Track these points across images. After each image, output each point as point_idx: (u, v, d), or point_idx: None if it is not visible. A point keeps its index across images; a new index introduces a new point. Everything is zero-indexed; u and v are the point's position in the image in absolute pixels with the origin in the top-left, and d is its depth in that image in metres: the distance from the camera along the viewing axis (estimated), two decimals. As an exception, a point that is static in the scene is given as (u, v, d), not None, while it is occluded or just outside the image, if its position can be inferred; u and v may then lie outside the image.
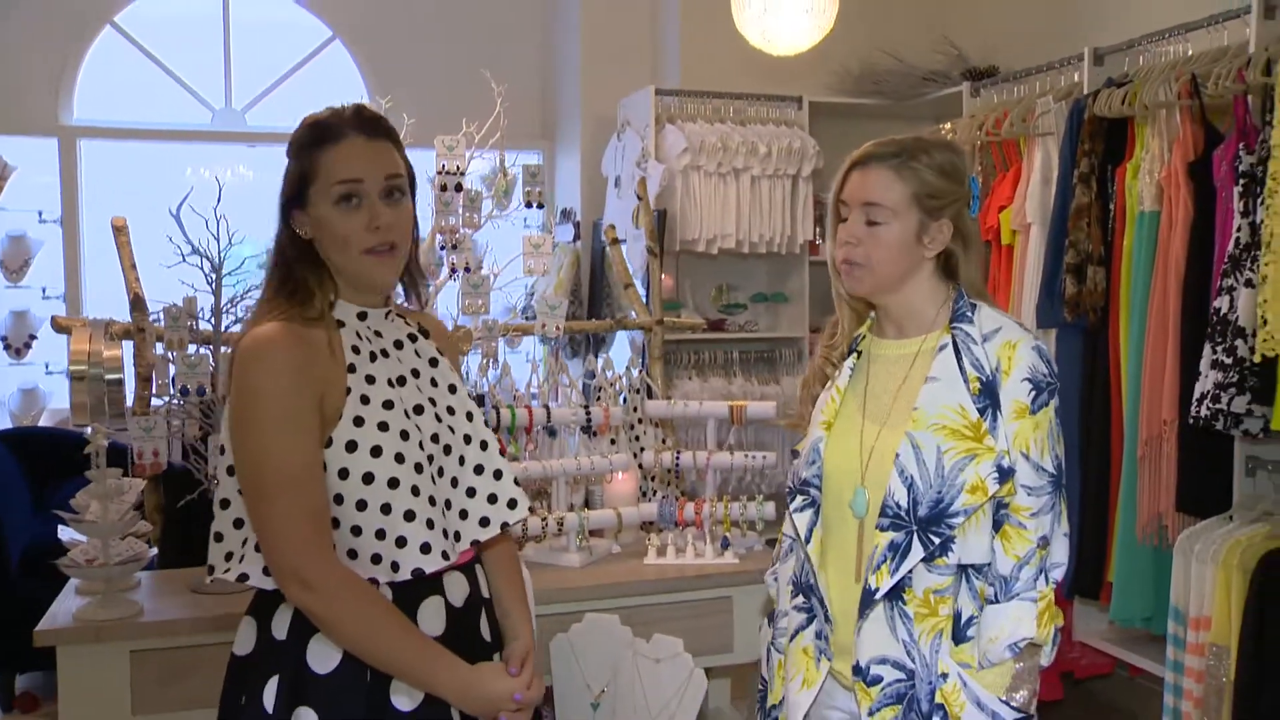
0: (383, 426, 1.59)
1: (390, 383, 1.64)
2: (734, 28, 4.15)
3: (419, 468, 1.61)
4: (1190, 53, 3.43)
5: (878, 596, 1.72)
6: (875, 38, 5.08)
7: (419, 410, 1.65)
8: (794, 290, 5.08)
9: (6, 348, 4.99)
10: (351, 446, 1.56)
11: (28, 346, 5.00)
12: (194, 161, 5.47)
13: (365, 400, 1.59)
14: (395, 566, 1.58)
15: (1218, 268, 3.08)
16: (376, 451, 1.57)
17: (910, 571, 1.71)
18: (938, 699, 1.70)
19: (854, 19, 4.89)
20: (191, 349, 2.43)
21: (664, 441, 3.20)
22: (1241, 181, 2.98)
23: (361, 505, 1.57)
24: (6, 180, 4.95)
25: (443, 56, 5.42)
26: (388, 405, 1.61)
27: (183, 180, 5.38)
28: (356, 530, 1.57)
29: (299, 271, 1.61)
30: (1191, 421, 3.06)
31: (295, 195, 1.61)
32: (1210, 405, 2.98)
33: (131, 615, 2.30)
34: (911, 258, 1.80)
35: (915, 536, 1.70)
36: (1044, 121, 3.81)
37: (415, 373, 1.69)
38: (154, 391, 2.48)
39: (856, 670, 1.74)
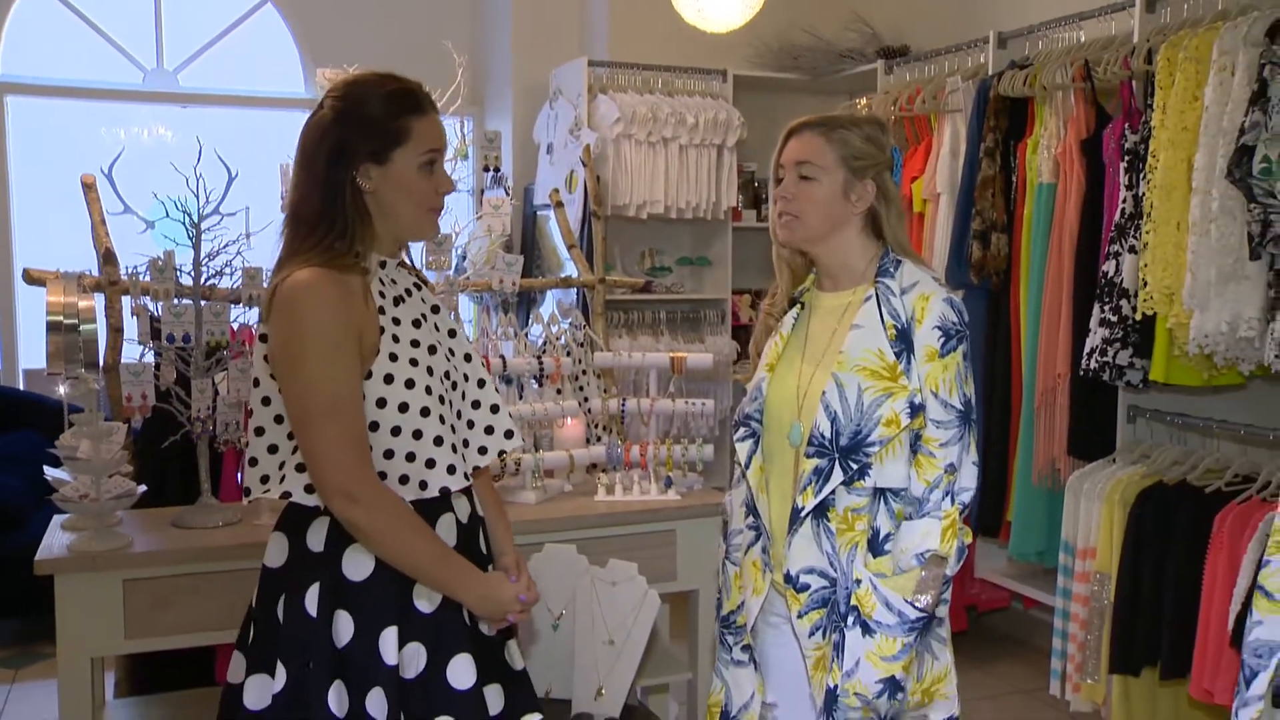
0: (413, 362, 1.77)
1: (412, 324, 1.82)
2: (661, 1, 4.35)
3: (442, 399, 1.80)
4: (1083, 39, 3.77)
5: (803, 514, 1.99)
6: (795, 15, 5.34)
7: (432, 350, 1.83)
8: (717, 254, 5.34)
9: (-64, 305, 4.98)
10: (388, 379, 1.74)
11: (-43, 303, 4.99)
12: (119, 121, 5.47)
13: (396, 339, 1.77)
14: (424, 485, 1.77)
15: (1106, 235, 3.42)
16: (410, 384, 1.75)
17: (833, 493, 1.97)
18: (853, 601, 1.97)
19: (777, -3, 5.15)
20: (175, 300, 2.57)
21: (605, 391, 3.43)
22: (1127, 158, 3.32)
23: (396, 431, 1.75)
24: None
25: (374, 21, 5.52)
26: (414, 344, 1.79)
27: (101, 139, 5.40)
28: (389, 454, 1.75)
29: (352, 221, 1.75)
30: (1081, 374, 3.41)
31: (376, 152, 1.75)
32: (1098, 359, 3.33)
33: (123, 547, 2.45)
34: (839, 212, 2.05)
35: (837, 463, 1.96)
36: (953, 99, 4.12)
37: (424, 316, 1.87)
38: (136, 339, 2.61)
39: (787, 578, 2.01)
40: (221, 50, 5.48)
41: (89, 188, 2.97)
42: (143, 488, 2.57)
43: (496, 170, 3.15)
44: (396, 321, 1.79)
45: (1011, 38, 4.07)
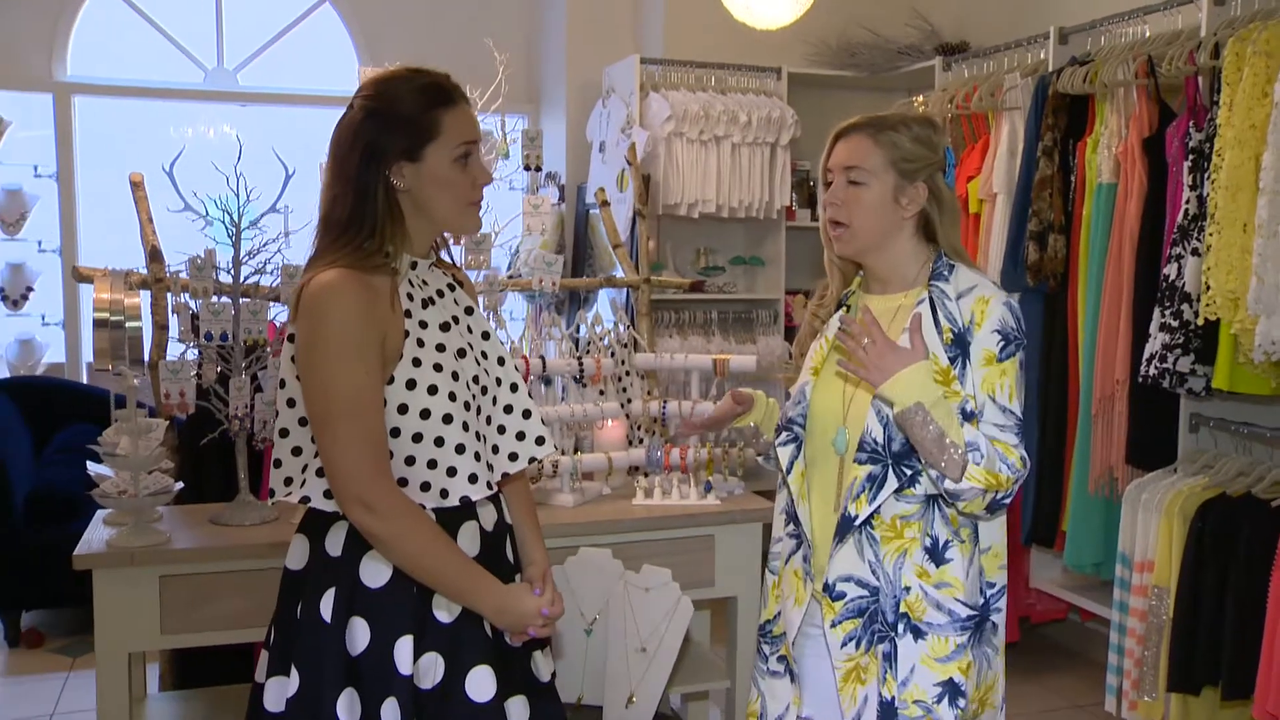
0: (437, 367, 1.74)
1: (440, 327, 1.79)
2: (715, -1, 4.31)
3: (467, 405, 1.76)
4: (1148, 34, 3.64)
5: (857, 523, 1.92)
6: (852, 11, 5.25)
7: (461, 354, 1.80)
8: (771, 254, 5.27)
9: (4, 299, 5.11)
10: (411, 384, 1.71)
11: (25, 298, 5.12)
12: (184, 120, 5.57)
13: (421, 343, 1.74)
14: (444, 494, 1.74)
15: (1168, 237, 3.29)
16: (433, 390, 1.72)
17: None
18: (902, 609, 1.92)
19: (833, -8, 5.07)
20: (214, 298, 2.59)
21: (649, 393, 3.39)
22: (1191, 157, 3.19)
23: (417, 438, 1.72)
24: (2, 135, 5.05)
25: (431, 20, 5.55)
26: (440, 348, 1.76)
27: (170, 137, 5.50)
28: (410, 460, 1.72)
29: (383, 221, 1.73)
30: (1140, 381, 3.29)
31: (409, 149, 1.73)
32: (1158, 365, 3.21)
33: (160, 543, 2.47)
34: (890, 218, 1.99)
35: (890, 469, 1.90)
36: (1011, 96, 4.01)
37: (455, 319, 1.84)
38: (177, 337, 2.63)
39: (825, 587, 1.96)
40: (280, 50, 5.55)
41: (136, 186, 3.01)
42: (179, 484, 2.58)
43: (538, 169, 3.12)
44: (423, 325, 1.76)
45: (1073, 33, 3.94)
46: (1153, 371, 3.22)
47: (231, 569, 2.50)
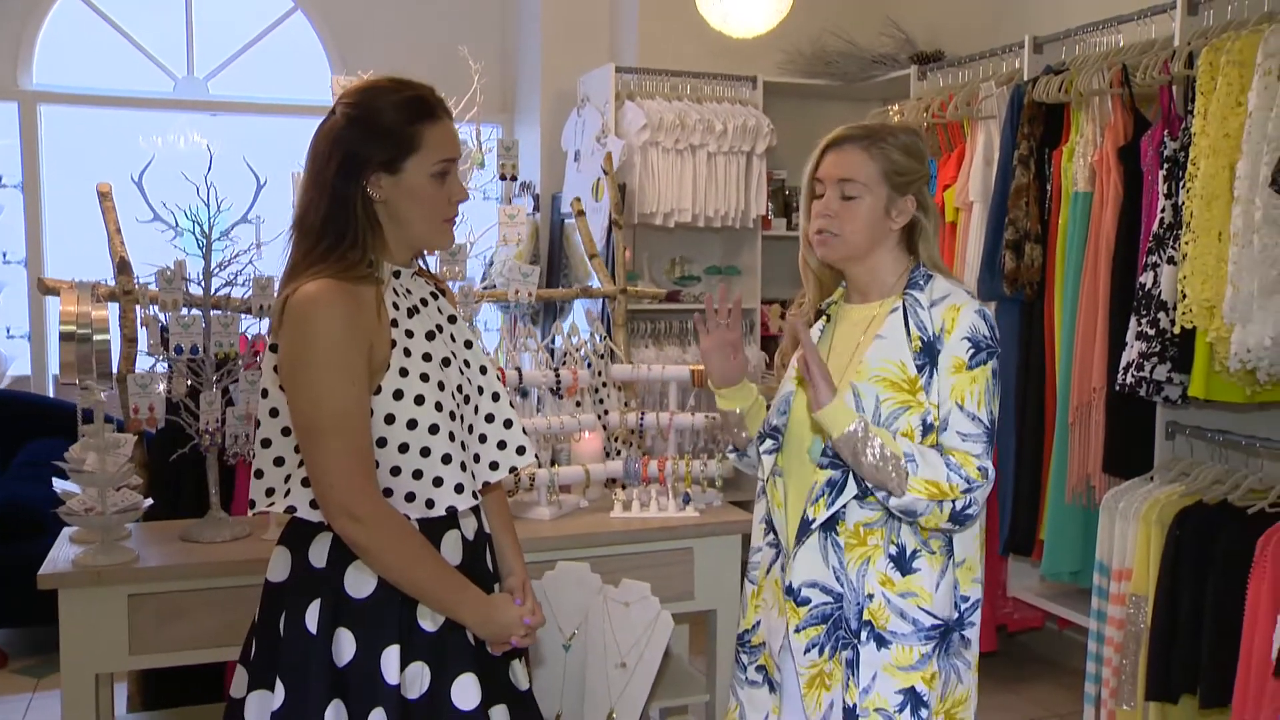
0: (424, 377, 1.73)
1: (425, 336, 1.78)
2: (691, 7, 4.29)
3: (452, 415, 1.76)
4: (1122, 43, 3.66)
5: (814, 526, 1.92)
6: (827, 20, 5.26)
7: (446, 363, 1.80)
8: (747, 263, 5.26)
9: (-32, 312, 5.02)
10: (398, 395, 1.71)
11: (-12, 311, 5.03)
12: (152, 129, 5.49)
13: (407, 353, 1.73)
14: (430, 504, 1.73)
15: (1144, 246, 3.30)
16: (419, 400, 1.72)
17: (844, 506, 1.91)
18: (865, 616, 1.91)
19: (807, 1, 5.06)
20: (184, 310, 2.54)
21: (626, 404, 3.36)
22: (1165, 166, 3.20)
23: (403, 448, 1.71)
24: (-34, 145, 4.98)
25: (404, 29, 5.51)
26: (426, 358, 1.75)
27: (139, 147, 5.42)
28: (395, 471, 1.72)
29: (363, 231, 1.72)
30: (1117, 389, 3.30)
31: (388, 161, 1.71)
32: (1134, 374, 3.21)
33: (128, 561, 2.42)
34: (880, 229, 1.98)
35: (850, 475, 1.89)
36: (987, 105, 4.02)
37: (439, 328, 1.83)
38: (146, 350, 2.58)
39: (789, 591, 1.95)
40: (251, 58, 5.49)
41: (104, 196, 2.95)
42: (148, 501, 2.53)
43: (514, 178, 3.09)
44: (409, 334, 1.76)
45: (1047, 42, 3.95)
46: (1129, 380, 3.22)
47: (201, 587, 2.45)
